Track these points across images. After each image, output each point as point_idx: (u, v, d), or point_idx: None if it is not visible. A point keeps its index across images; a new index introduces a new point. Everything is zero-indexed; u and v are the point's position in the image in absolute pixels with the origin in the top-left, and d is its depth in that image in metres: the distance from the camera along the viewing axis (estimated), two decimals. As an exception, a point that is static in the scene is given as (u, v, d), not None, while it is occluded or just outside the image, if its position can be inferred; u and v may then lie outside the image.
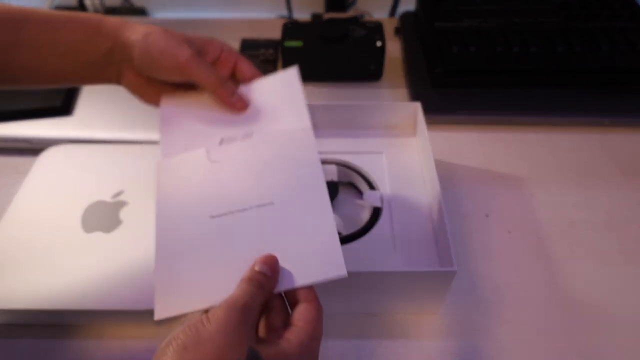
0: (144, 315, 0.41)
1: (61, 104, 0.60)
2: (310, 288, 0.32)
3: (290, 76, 0.44)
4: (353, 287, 0.40)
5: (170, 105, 0.44)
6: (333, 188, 0.51)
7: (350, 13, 0.81)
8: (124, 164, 0.53)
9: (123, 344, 0.42)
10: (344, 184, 0.53)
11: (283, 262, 0.32)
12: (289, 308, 0.32)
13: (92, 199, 0.50)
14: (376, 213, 0.48)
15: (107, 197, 0.50)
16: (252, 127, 0.42)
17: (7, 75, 0.40)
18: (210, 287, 0.32)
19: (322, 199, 0.35)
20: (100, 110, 0.61)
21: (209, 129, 0.42)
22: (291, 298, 0.32)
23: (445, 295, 0.42)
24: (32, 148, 0.58)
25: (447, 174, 0.56)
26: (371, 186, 0.50)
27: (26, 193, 0.51)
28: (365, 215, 0.48)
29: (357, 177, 0.52)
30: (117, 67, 0.42)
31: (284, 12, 0.88)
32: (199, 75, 0.40)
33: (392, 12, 0.90)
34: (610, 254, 0.49)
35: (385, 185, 0.50)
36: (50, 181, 0.52)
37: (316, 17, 0.75)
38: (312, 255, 0.33)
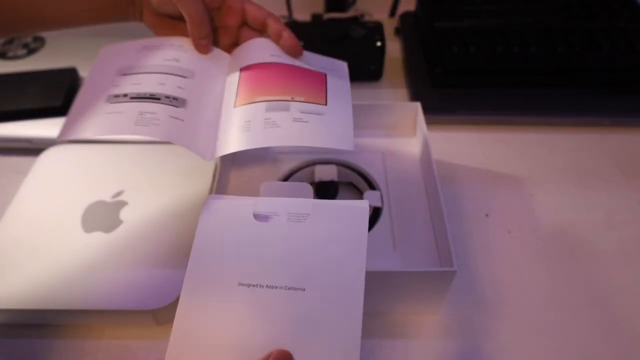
0: (144, 315, 0.41)
1: (61, 104, 0.60)
2: None
3: (359, 208, 0.37)
4: (353, 287, 0.40)
5: (214, 205, 0.39)
6: (333, 188, 0.51)
7: (350, 13, 0.81)
8: (124, 164, 0.53)
9: (123, 344, 0.42)
10: (344, 184, 0.53)
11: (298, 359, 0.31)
12: None
13: (92, 199, 0.50)
14: (376, 213, 0.48)
15: (107, 197, 0.50)
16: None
17: (35, 17, 0.43)
18: (222, 359, 0.31)
19: (356, 307, 0.33)
20: (100, 110, 0.61)
21: (247, 252, 0.36)
22: None
23: (445, 295, 0.42)
24: (32, 148, 0.58)
25: (447, 174, 0.56)
26: (371, 186, 0.50)
27: (26, 193, 0.51)
28: (365, 215, 0.48)
29: (357, 177, 0.52)
30: (136, 5, 0.45)
31: (284, 12, 0.88)
32: (185, 5, 0.41)
33: (392, 12, 0.90)
34: (610, 254, 0.49)
35: (385, 185, 0.50)
36: (50, 181, 0.52)
37: (316, 17, 0.75)
38: None
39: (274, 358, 0.30)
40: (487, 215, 0.52)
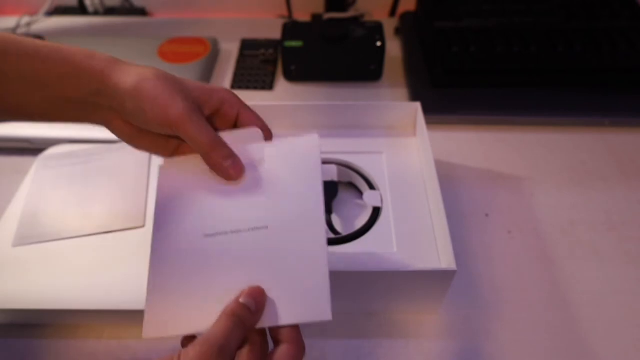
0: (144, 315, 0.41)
1: (61, 104, 0.60)
2: (295, 327, 0.30)
3: (310, 142, 0.37)
4: (353, 287, 0.40)
5: (171, 172, 0.38)
6: (333, 188, 0.51)
7: (350, 13, 0.81)
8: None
9: (123, 344, 0.42)
10: (344, 184, 0.53)
11: (269, 295, 0.31)
12: (269, 344, 0.31)
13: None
14: (376, 213, 0.48)
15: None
16: (262, 198, 0.36)
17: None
18: (198, 311, 0.32)
19: (319, 235, 0.33)
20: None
21: (208, 205, 0.36)
22: (274, 335, 0.31)
23: (445, 295, 0.42)
24: (32, 148, 0.58)
25: (447, 174, 0.56)
26: (371, 186, 0.50)
27: (26, 193, 0.51)
28: (365, 215, 0.48)
29: (357, 177, 0.52)
30: (104, 111, 0.36)
31: (284, 12, 0.88)
32: (191, 135, 0.34)
33: (392, 12, 0.90)
34: (610, 254, 0.49)
35: (385, 185, 0.50)
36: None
37: (316, 17, 0.75)
38: (300, 294, 0.31)
39: (245, 295, 0.31)
40: (487, 215, 0.52)
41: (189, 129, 0.34)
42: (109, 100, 0.35)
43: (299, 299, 0.31)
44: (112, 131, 0.38)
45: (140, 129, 0.36)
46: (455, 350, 0.42)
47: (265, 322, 0.31)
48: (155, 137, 0.37)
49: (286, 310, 0.31)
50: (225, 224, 0.34)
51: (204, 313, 0.31)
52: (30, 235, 0.47)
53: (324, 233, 0.33)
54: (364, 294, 0.42)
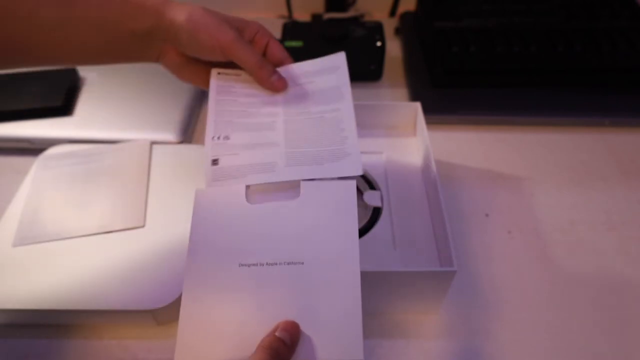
0: (144, 315, 0.41)
1: (62, 104, 0.60)
2: None
3: (347, 187, 0.38)
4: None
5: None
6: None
7: (350, 13, 0.81)
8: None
9: (123, 344, 0.42)
10: (344, 184, 0.53)
11: (303, 330, 0.32)
12: None
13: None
14: (376, 213, 0.48)
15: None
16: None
17: (55, 54, 0.41)
18: (232, 342, 0.32)
19: (353, 277, 0.33)
20: (100, 111, 0.61)
21: (243, 232, 0.38)
22: None
23: (445, 295, 0.42)
24: (32, 148, 0.58)
25: (447, 174, 0.56)
26: (371, 186, 0.50)
27: (26, 193, 0.51)
28: (365, 215, 0.48)
29: (357, 177, 0.52)
30: (159, 46, 0.42)
31: (284, 12, 0.88)
32: (241, 56, 0.41)
33: (392, 12, 0.90)
34: (610, 254, 0.49)
35: (385, 185, 0.50)
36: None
37: (316, 17, 0.75)
38: (333, 331, 0.32)
39: (281, 329, 0.31)
40: (487, 215, 0.52)
41: (239, 52, 0.41)
42: (164, 34, 0.41)
43: (332, 337, 0.32)
44: (164, 63, 0.44)
45: (190, 58, 0.43)
46: (455, 350, 0.42)
47: (298, 357, 0.31)
48: (200, 67, 0.44)
49: (319, 347, 0.31)
50: (261, 254, 0.34)
51: (237, 344, 0.32)
52: (30, 235, 0.47)
53: (358, 276, 0.33)
54: (364, 294, 0.41)
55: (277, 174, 0.39)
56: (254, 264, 0.34)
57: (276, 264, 0.34)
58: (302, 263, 0.34)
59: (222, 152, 0.40)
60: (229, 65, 0.44)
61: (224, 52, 0.41)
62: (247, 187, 0.38)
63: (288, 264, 0.34)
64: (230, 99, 0.43)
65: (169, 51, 0.43)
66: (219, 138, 0.41)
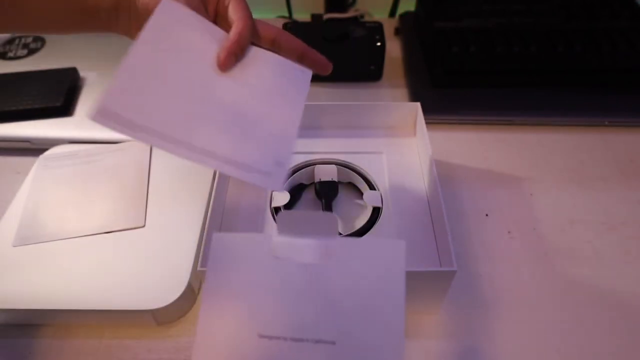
0: (144, 315, 0.41)
1: (61, 104, 0.60)
2: None
3: (395, 249, 0.32)
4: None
5: (222, 243, 0.33)
6: (333, 188, 0.51)
7: (350, 13, 0.81)
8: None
9: (123, 344, 0.42)
10: (344, 184, 0.53)
11: None
12: None
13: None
14: (376, 213, 0.48)
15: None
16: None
17: (15, 19, 0.41)
18: None
19: None
20: (100, 110, 0.61)
21: (264, 297, 0.32)
22: None
23: (445, 295, 0.42)
24: (32, 148, 0.58)
25: (447, 174, 0.56)
26: (371, 186, 0.50)
27: (26, 193, 0.51)
28: (365, 215, 0.48)
29: (357, 177, 0.52)
30: (126, 21, 0.41)
31: (284, 12, 0.88)
32: (239, 17, 0.40)
33: (392, 12, 0.90)
34: (610, 254, 0.49)
35: (385, 185, 0.50)
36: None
37: (316, 17, 0.75)
38: None
39: None
40: (487, 215, 0.52)
41: (240, 14, 0.39)
42: (127, 10, 0.40)
43: None
44: (133, 39, 0.42)
45: None
46: (455, 350, 0.42)
47: None
48: None
49: None
50: (285, 326, 0.29)
51: None
52: (30, 235, 0.47)
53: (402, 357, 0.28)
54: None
55: (187, 151, 0.31)
56: (276, 337, 0.29)
57: (302, 340, 0.29)
58: (334, 343, 0.29)
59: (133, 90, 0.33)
60: None
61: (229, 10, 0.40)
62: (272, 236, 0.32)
63: (316, 342, 0.29)
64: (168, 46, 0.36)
65: (134, 28, 0.41)
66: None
